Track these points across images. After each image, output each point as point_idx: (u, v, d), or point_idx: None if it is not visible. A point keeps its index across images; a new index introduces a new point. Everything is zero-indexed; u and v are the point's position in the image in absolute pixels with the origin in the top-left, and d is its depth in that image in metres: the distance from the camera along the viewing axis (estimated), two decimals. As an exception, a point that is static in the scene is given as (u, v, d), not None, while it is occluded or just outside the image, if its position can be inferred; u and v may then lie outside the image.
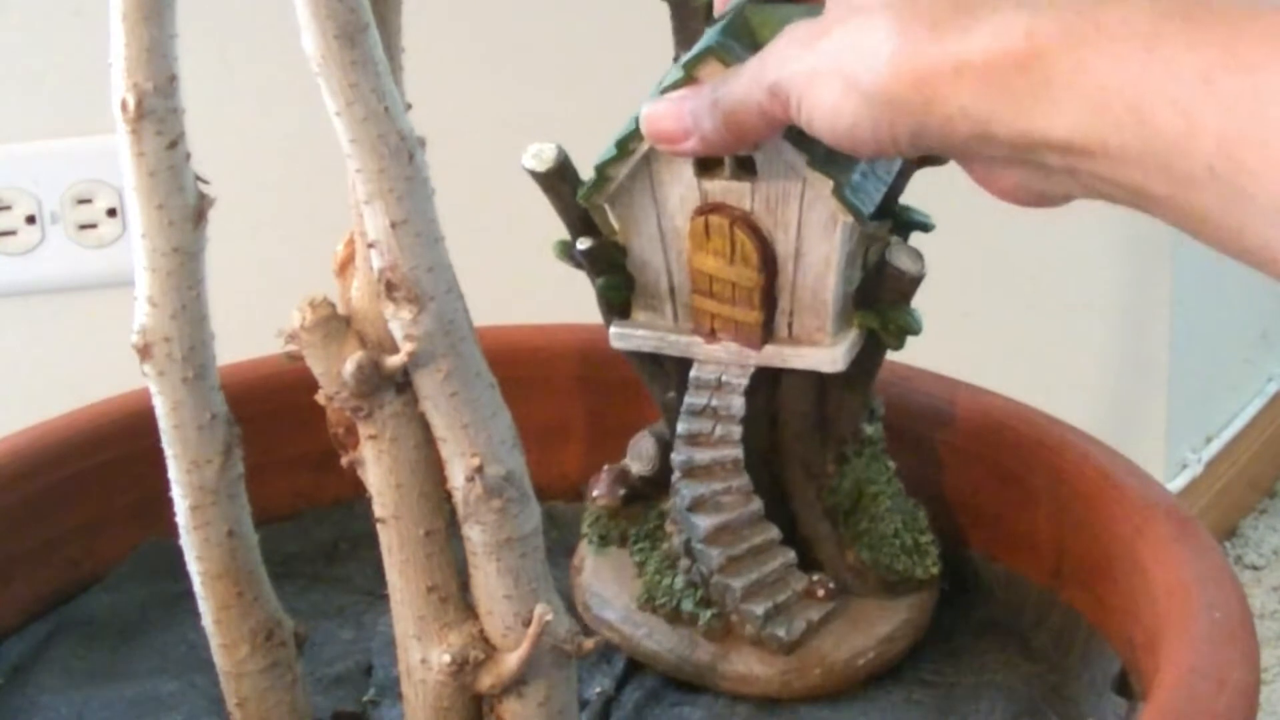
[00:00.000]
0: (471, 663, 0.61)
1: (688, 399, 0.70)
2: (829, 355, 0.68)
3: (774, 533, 0.71)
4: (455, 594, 0.62)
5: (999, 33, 0.50)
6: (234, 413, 0.62)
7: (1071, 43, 0.48)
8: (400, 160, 0.55)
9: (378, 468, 0.60)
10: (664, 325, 0.71)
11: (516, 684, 0.61)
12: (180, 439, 0.61)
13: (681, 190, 0.68)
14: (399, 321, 0.57)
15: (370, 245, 0.56)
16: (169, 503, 0.62)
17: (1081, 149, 0.49)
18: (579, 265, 0.71)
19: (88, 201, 1.19)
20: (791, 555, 0.72)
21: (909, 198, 0.71)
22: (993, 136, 0.51)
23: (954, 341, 1.02)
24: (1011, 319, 1.40)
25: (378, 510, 0.61)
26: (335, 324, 0.59)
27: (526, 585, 0.61)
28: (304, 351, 0.59)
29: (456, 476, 0.59)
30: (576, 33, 1.23)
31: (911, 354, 0.71)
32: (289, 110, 1.11)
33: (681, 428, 0.70)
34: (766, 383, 0.71)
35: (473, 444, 0.59)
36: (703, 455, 0.70)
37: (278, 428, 0.78)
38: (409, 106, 0.56)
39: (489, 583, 0.61)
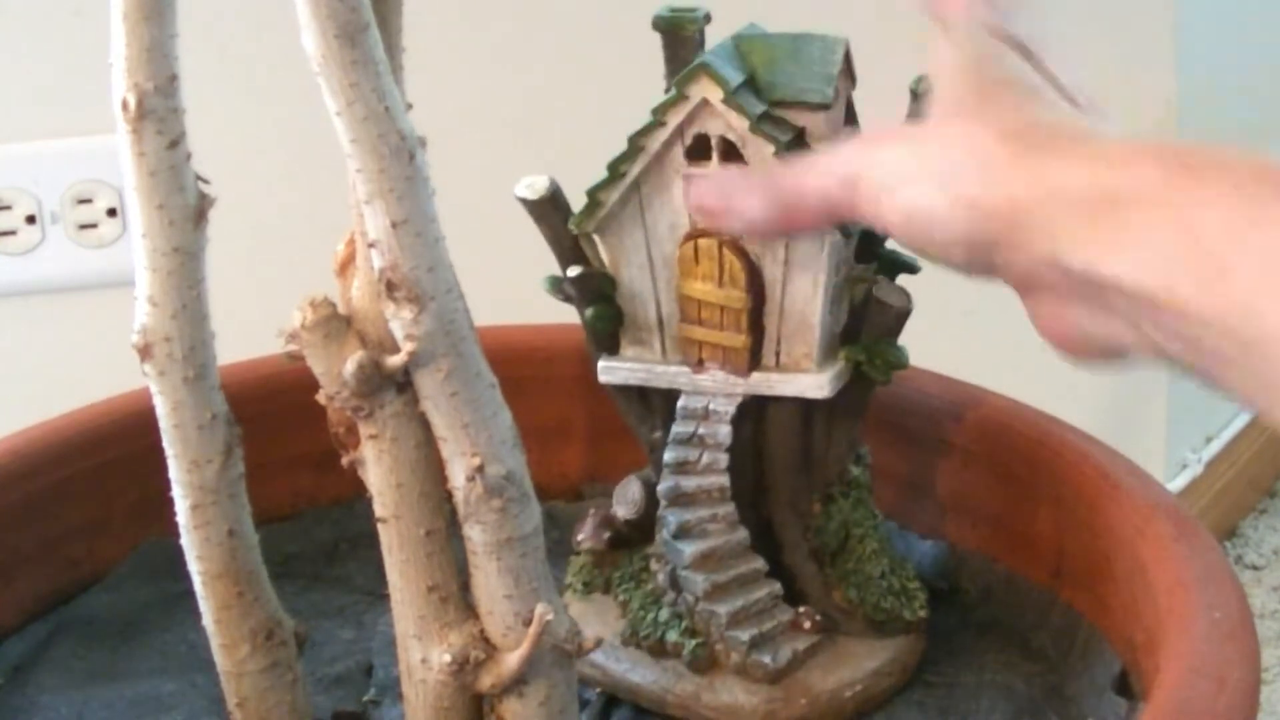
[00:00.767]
0: (472, 662, 0.61)
1: (675, 428, 0.71)
2: (815, 381, 0.69)
3: (760, 563, 0.71)
4: (456, 594, 0.62)
5: (1097, 166, 0.49)
6: (234, 413, 0.62)
7: (1169, 188, 0.48)
8: (401, 160, 0.55)
9: (378, 467, 0.60)
10: (652, 358, 0.72)
11: (517, 684, 0.61)
12: (181, 439, 0.61)
13: (671, 217, 0.69)
14: (399, 321, 0.57)
15: (370, 245, 0.56)
16: (169, 502, 0.62)
17: (1150, 296, 0.47)
18: (568, 299, 0.72)
19: (88, 201, 1.19)
20: (778, 587, 0.72)
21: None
22: (1063, 263, 0.50)
23: (955, 341, 1.02)
24: (1013, 319, 1.40)
25: (378, 510, 0.61)
26: (336, 324, 0.59)
27: (527, 585, 0.60)
28: (304, 351, 0.59)
29: (457, 476, 0.59)
30: (577, 33, 1.23)
31: (912, 354, 0.71)
32: (289, 110, 1.11)
33: (668, 456, 0.71)
34: (752, 415, 0.71)
35: (473, 444, 0.59)
36: (689, 482, 0.71)
37: (278, 428, 0.78)
38: (409, 106, 0.56)
39: (489, 582, 0.60)
